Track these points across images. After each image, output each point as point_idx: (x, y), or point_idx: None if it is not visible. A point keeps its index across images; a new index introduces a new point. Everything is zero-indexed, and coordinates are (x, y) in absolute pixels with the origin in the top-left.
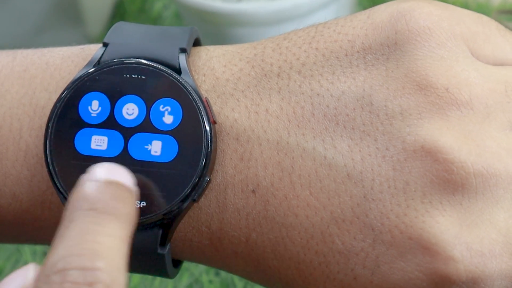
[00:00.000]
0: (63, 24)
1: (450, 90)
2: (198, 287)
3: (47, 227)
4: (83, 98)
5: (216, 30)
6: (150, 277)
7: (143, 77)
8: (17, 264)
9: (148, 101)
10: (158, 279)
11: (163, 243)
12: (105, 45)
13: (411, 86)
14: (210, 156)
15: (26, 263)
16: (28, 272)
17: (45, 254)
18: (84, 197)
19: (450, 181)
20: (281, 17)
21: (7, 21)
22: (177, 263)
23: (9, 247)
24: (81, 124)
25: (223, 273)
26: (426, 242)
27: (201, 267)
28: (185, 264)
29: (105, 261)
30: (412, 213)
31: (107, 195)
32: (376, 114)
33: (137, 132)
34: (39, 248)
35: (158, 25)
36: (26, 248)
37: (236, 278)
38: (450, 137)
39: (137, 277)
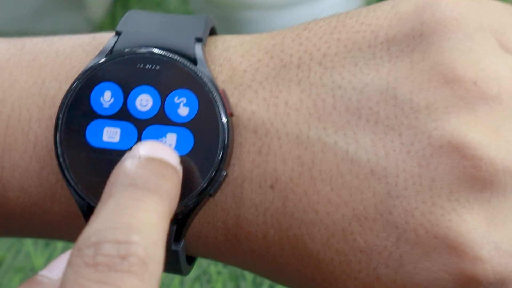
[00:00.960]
0: (64, 8)
1: (478, 83)
2: (206, 279)
3: (56, 221)
4: (95, 88)
5: (224, 13)
6: None
7: (157, 67)
8: (18, 254)
9: (163, 92)
10: None
11: (177, 239)
12: (118, 34)
13: (437, 79)
14: (227, 150)
15: (27, 253)
16: None
17: (47, 244)
18: (124, 172)
19: (478, 178)
20: (292, 1)
21: (7, 5)
22: (190, 260)
23: (10, 237)
24: (93, 115)
25: None
26: (453, 241)
27: None
28: None
29: (141, 236)
30: (438, 211)
31: (148, 172)
32: (401, 107)
33: (151, 124)
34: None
35: (163, 8)
36: (28, 238)
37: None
38: (478, 133)
39: None
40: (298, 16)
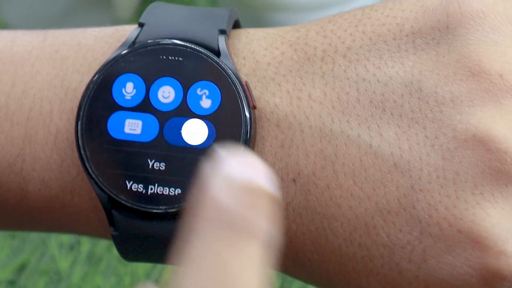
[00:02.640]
0: (91, 7)
1: (504, 76)
2: None
3: (77, 215)
4: (117, 80)
5: (255, 14)
6: None
7: (180, 59)
8: (42, 257)
9: (185, 84)
10: None
11: None
12: (141, 25)
13: (463, 72)
14: (249, 143)
15: (52, 256)
16: None
17: (72, 247)
18: (215, 205)
19: (503, 172)
20: (324, 2)
21: (35, 4)
22: None
23: (35, 240)
24: (115, 107)
25: None
26: (477, 235)
27: None
28: None
29: None
30: (462, 205)
31: (246, 206)
32: (426, 101)
33: (173, 116)
34: (65, 240)
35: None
36: (53, 241)
37: (272, 276)
38: (503, 126)
39: (169, 272)
40: None
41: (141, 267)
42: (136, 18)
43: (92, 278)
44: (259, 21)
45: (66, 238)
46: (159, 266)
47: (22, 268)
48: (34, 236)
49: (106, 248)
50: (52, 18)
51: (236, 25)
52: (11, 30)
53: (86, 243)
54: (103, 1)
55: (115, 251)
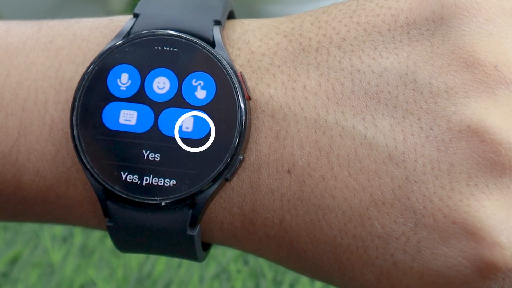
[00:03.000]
0: (84, 0)
1: (498, 67)
2: (226, 277)
3: (72, 206)
4: (112, 70)
5: (248, 7)
6: (175, 265)
7: (175, 49)
8: (35, 249)
9: (180, 75)
10: (184, 267)
11: (193, 224)
12: (136, 16)
13: (457, 63)
14: (244, 134)
15: (44, 248)
16: None
17: (64, 239)
18: None
19: (497, 163)
20: None
21: None
22: (206, 246)
23: (28, 232)
24: (110, 97)
25: (251, 262)
26: (471, 226)
27: (229, 256)
28: (212, 252)
29: None
30: (456, 196)
31: None
32: (420, 92)
33: (168, 107)
34: (58, 232)
35: None
36: (45, 233)
37: (265, 267)
38: (498, 117)
39: (162, 264)
40: None
41: (134, 259)
42: (128, 10)
43: (85, 270)
44: (254, 14)
45: (59, 231)
46: (152, 258)
47: (14, 260)
48: (27, 229)
49: (99, 240)
50: (46, 10)
51: (231, 16)
52: (6, 21)
53: (78, 235)
54: None
55: (108, 243)
